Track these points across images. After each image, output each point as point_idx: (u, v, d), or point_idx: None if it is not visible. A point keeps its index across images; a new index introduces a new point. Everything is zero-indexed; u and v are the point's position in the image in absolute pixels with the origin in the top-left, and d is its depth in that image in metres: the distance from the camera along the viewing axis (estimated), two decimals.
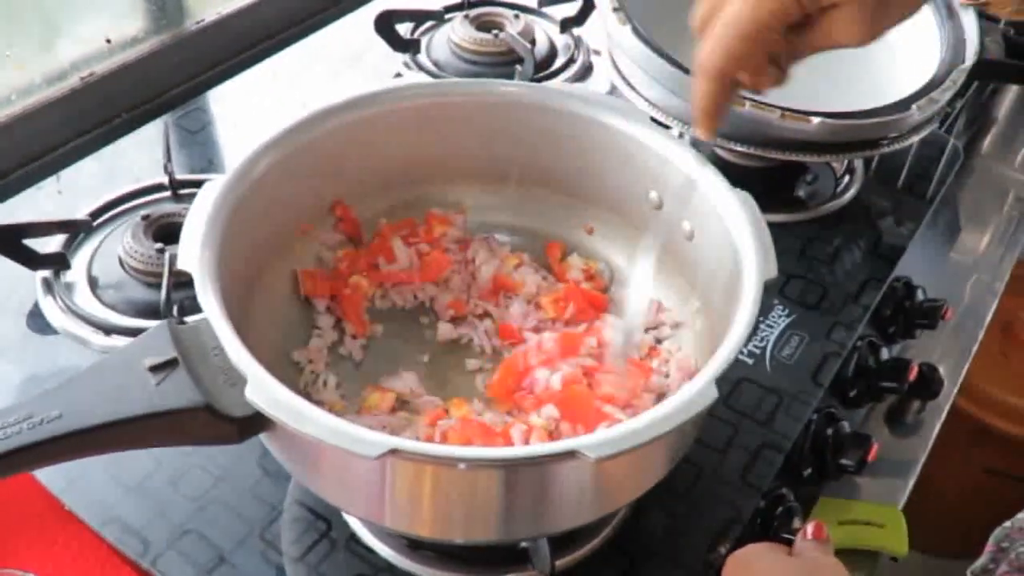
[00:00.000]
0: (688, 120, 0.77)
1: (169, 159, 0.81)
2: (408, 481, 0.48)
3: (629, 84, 0.82)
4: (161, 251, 0.73)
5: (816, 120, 0.74)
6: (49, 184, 0.85)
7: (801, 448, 0.69)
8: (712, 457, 0.66)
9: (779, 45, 0.49)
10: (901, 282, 0.84)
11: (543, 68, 1.00)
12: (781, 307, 0.77)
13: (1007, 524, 0.70)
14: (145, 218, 0.76)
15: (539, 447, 0.45)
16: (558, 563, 0.58)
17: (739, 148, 0.78)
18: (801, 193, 0.88)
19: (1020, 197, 1.10)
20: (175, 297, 0.69)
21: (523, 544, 0.56)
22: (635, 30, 0.78)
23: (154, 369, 0.48)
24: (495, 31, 1.01)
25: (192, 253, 0.51)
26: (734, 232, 0.56)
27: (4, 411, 0.46)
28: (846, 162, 0.90)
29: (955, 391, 0.88)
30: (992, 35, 0.85)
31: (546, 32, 1.05)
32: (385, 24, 0.99)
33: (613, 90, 0.85)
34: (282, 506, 0.62)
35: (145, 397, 0.47)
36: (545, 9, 1.09)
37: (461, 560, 0.58)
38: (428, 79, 0.97)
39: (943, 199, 0.93)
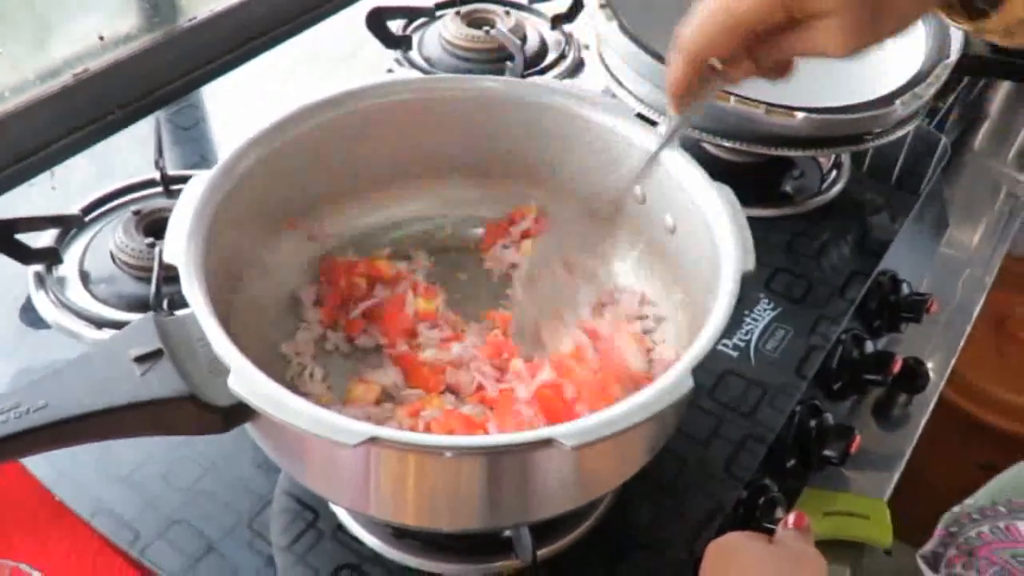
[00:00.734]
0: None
1: (161, 155, 0.82)
2: (389, 470, 0.49)
3: (617, 80, 0.83)
4: (152, 246, 0.74)
5: (800, 115, 0.74)
6: (42, 180, 0.86)
7: (785, 440, 0.70)
8: (696, 448, 0.67)
9: (759, 42, 0.49)
10: (887, 276, 0.84)
11: (533, 64, 1.01)
12: (766, 300, 0.78)
13: (956, 509, 0.71)
14: (136, 213, 0.76)
15: (517, 435, 0.45)
16: (544, 552, 0.59)
17: (726, 143, 0.79)
18: (788, 188, 0.89)
19: (1012, 192, 1.11)
20: (165, 291, 0.70)
21: (507, 533, 0.57)
22: (622, 26, 0.79)
23: (139, 360, 0.49)
24: (486, 28, 1.01)
25: (178, 246, 0.52)
26: (714, 225, 0.56)
27: None
28: (833, 157, 0.91)
29: (942, 384, 0.88)
30: None
31: (537, 29, 1.06)
32: (377, 21, 1.00)
33: (604, 87, 0.86)
34: (270, 496, 0.62)
35: (130, 387, 0.48)
36: (536, 6, 1.10)
37: (446, 549, 0.59)
38: (419, 75, 0.97)
39: (930, 194, 0.93)
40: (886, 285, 0.84)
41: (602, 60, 0.85)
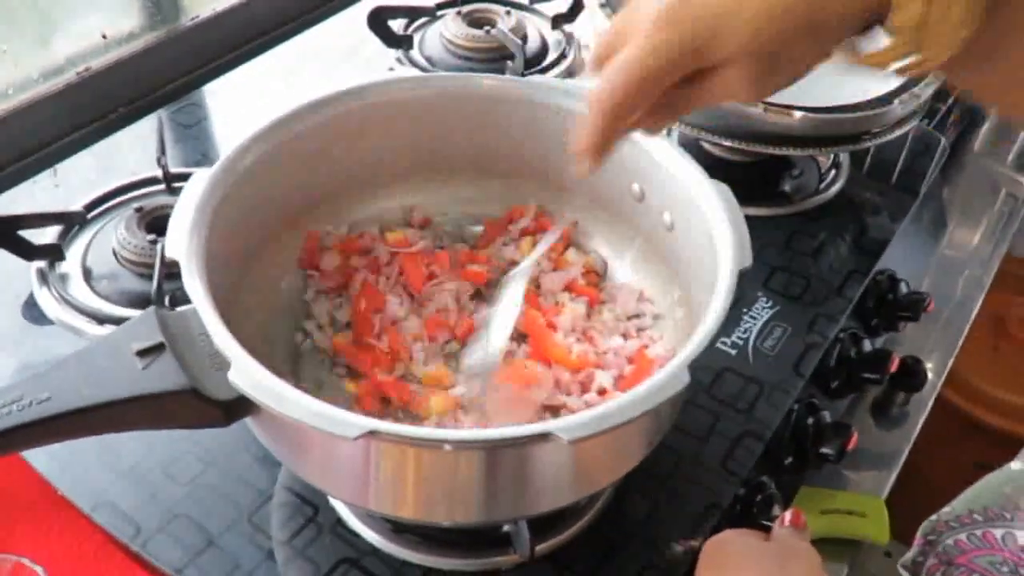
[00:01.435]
0: None
1: (163, 153, 0.82)
2: (388, 463, 0.49)
3: None
4: (154, 243, 0.74)
5: (799, 114, 0.75)
6: (45, 177, 0.86)
7: (782, 437, 0.70)
8: (693, 445, 0.67)
9: (673, 92, 0.48)
10: (885, 275, 0.85)
11: (534, 64, 1.01)
12: (765, 299, 0.78)
13: (934, 517, 0.71)
14: (139, 210, 0.77)
15: (515, 429, 0.46)
16: (541, 547, 0.59)
17: (724, 142, 0.79)
18: (786, 187, 0.89)
19: (1011, 193, 1.11)
20: (167, 287, 0.70)
21: (505, 528, 0.57)
22: None
23: (141, 353, 0.49)
24: (487, 27, 1.02)
25: (179, 242, 0.52)
26: (711, 222, 0.57)
27: None
28: (831, 156, 0.91)
29: (940, 383, 0.89)
30: None
31: (538, 28, 1.07)
32: (378, 20, 1.00)
33: None
34: (270, 491, 0.63)
35: (132, 380, 0.48)
36: (537, 5, 1.10)
37: (445, 544, 0.60)
38: (420, 74, 0.98)
39: (929, 194, 0.94)
40: (884, 284, 0.84)
41: None
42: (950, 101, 1.04)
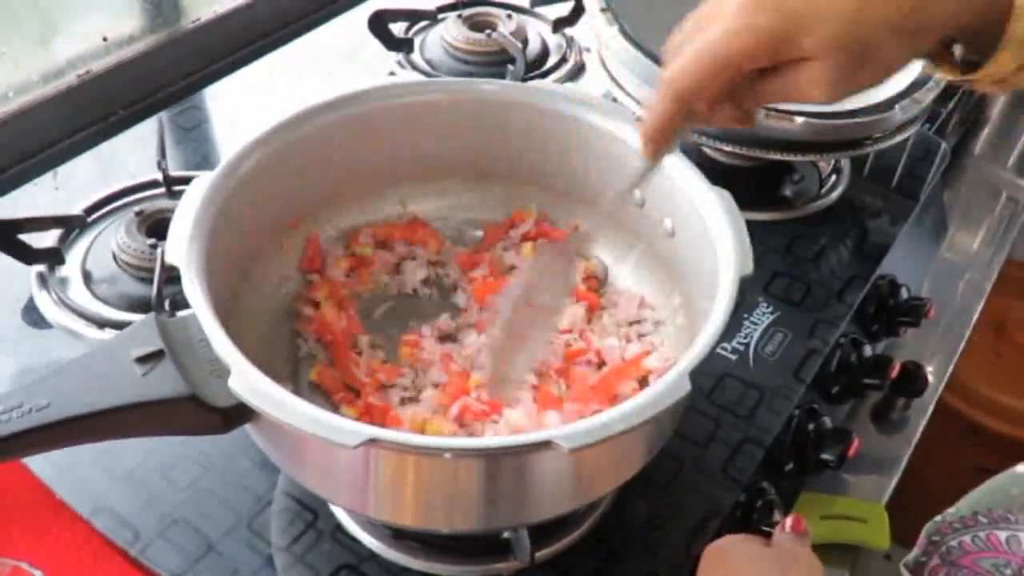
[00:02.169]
0: None
1: (163, 156, 0.82)
2: (388, 471, 0.49)
3: (618, 84, 0.83)
4: (154, 246, 0.74)
5: (800, 120, 0.75)
6: (45, 180, 0.86)
7: (782, 443, 0.70)
8: (694, 451, 0.67)
9: (744, 85, 0.48)
10: (885, 280, 0.85)
11: (535, 68, 1.01)
12: (765, 304, 0.78)
13: (938, 519, 0.71)
14: (139, 214, 0.77)
15: (515, 437, 0.46)
16: (541, 553, 0.59)
17: (725, 147, 0.79)
18: (787, 192, 0.89)
19: (1012, 197, 1.11)
20: (167, 292, 0.70)
21: (505, 534, 0.57)
22: (623, 31, 0.79)
23: (141, 360, 0.49)
24: (488, 31, 1.02)
25: (180, 247, 0.52)
26: (713, 229, 0.57)
27: None
28: (832, 162, 0.91)
29: (941, 389, 0.89)
30: None
31: (538, 32, 1.06)
32: (379, 23, 1.00)
33: (605, 91, 0.86)
34: (270, 496, 0.63)
35: (132, 387, 0.48)
36: (538, 9, 1.10)
37: (444, 550, 0.60)
38: (421, 78, 0.98)
39: (930, 199, 0.94)
40: (885, 289, 0.84)
41: (603, 64, 0.85)
42: (951, 105, 1.04)
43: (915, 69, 0.82)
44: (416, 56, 1.02)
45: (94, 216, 0.80)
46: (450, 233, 0.72)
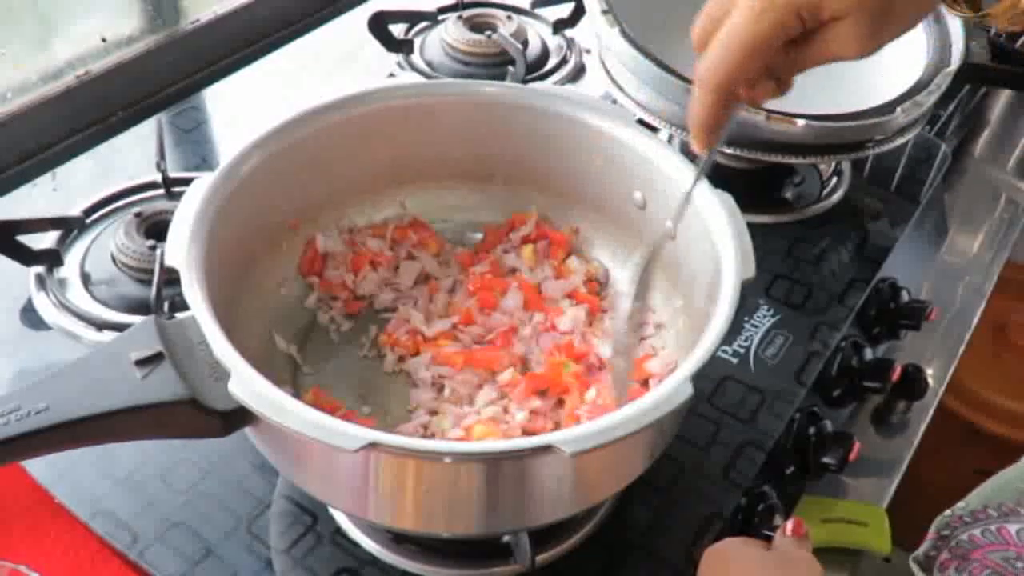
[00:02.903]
0: (675, 122, 0.78)
1: (163, 157, 0.82)
2: (389, 475, 0.49)
3: (618, 86, 0.83)
4: (153, 248, 0.74)
5: (801, 122, 0.74)
6: (44, 181, 0.86)
7: (784, 446, 0.70)
8: (695, 454, 0.67)
9: (778, 58, 0.49)
10: (886, 283, 0.85)
11: (535, 69, 1.01)
12: (766, 307, 0.78)
13: (947, 513, 0.71)
14: (138, 215, 0.76)
15: (516, 442, 0.46)
16: (541, 557, 0.59)
17: (726, 150, 0.79)
18: (788, 195, 0.89)
19: (1012, 199, 1.11)
20: (166, 294, 0.70)
21: (505, 539, 0.57)
22: (624, 33, 0.79)
23: (140, 363, 0.49)
24: (488, 32, 1.01)
25: (179, 249, 0.52)
26: (714, 232, 0.56)
27: None
28: (833, 164, 0.91)
29: (942, 391, 0.88)
30: (977, 39, 0.85)
31: (539, 33, 1.06)
32: (379, 24, 1.00)
33: (605, 92, 0.86)
34: (269, 500, 0.62)
35: (130, 390, 0.48)
36: (538, 11, 1.10)
37: (445, 554, 0.59)
38: (421, 79, 0.97)
39: (930, 201, 0.93)
40: (886, 292, 0.84)
41: (603, 66, 0.85)
42: (951, 108, 1.04)
43: (916, 70, 0.82)
44: (416, 57, 1.02)
45: (93, 217, 0.80)
46: (450, 235, 0.72)
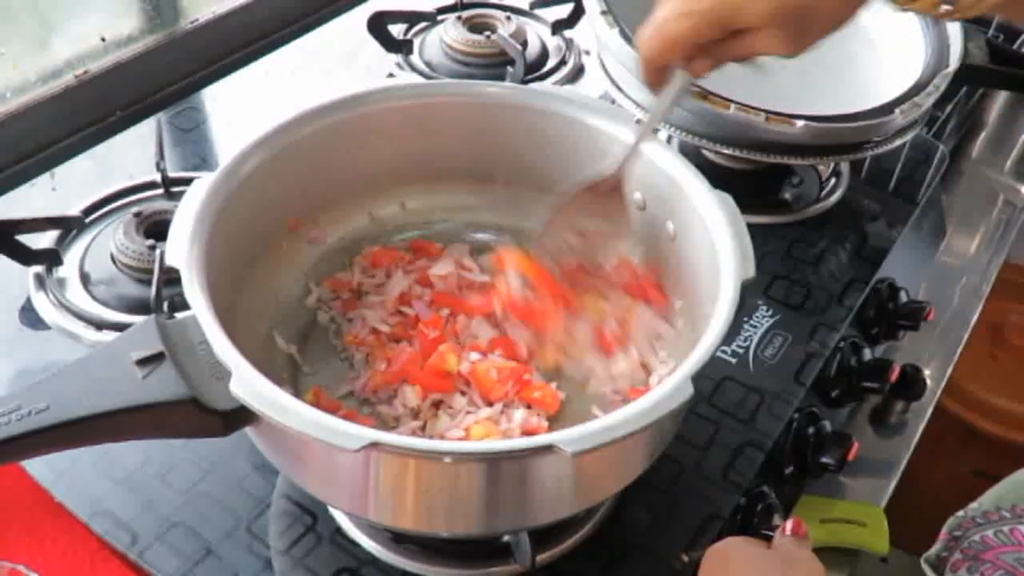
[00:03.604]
0: (674, 122, 0.78)
1: (162, 157, 0.82)
2: (389, 474, 0.49)
3: (617, 86, 0.83)
4: (152, 248, 0.74)
5: (800, 123, 0.75)
6: (43, 181, 0.86)
7: (783, 446, 0.70)
8: (694, 454, 0.67)
9: (708, 47, 0.53)
10: (885, 284, 0.85)
11: (534, 70, 1.01)
12: (765, 307, 0.78)
13: (960, 514, 0.71)
14: (137, 215, 0.76)
15: (516, 441, 0.46)
16: (541, 557, 0.59)
17: (725, 150, 0.79)
18: (787, 195, 0.89)
19: (1009, 201, 1.11)
20: (166, 293, 0.70)
21: (505, 538, 0.57)
22: (623, 33, 0.79)
23: (141, 363, 0.49)
24: (487, 32, 1.02)
25: (180, 249, 0.52)
26: (714, 233, 0.57)
27: None
28: (832, 165, 0.91)
29: (939, 392, 0.89)
30: (976, 41, 0.86)
31: (538, 34, 1.06)
32: (378, 25, 1.00)
33: (604, 92, 0.86)
34: (269, 500, 0.62)
35: (131, 390, 0.48)
36: (537, 11, 1.10)
37: (445, 554, 0.59)
38: (420, 80, 0.98)
39: (928, 202, 0.94)
40: (884, 293, 0.84)
41: (603, 66, 0.85)
42: (949, 109, 1.04)
43: (914, 72, 0.82)
44: (415, 58, 1.02)
45: (92, 217, 0.80)
46: (450, 235, 0.72)
